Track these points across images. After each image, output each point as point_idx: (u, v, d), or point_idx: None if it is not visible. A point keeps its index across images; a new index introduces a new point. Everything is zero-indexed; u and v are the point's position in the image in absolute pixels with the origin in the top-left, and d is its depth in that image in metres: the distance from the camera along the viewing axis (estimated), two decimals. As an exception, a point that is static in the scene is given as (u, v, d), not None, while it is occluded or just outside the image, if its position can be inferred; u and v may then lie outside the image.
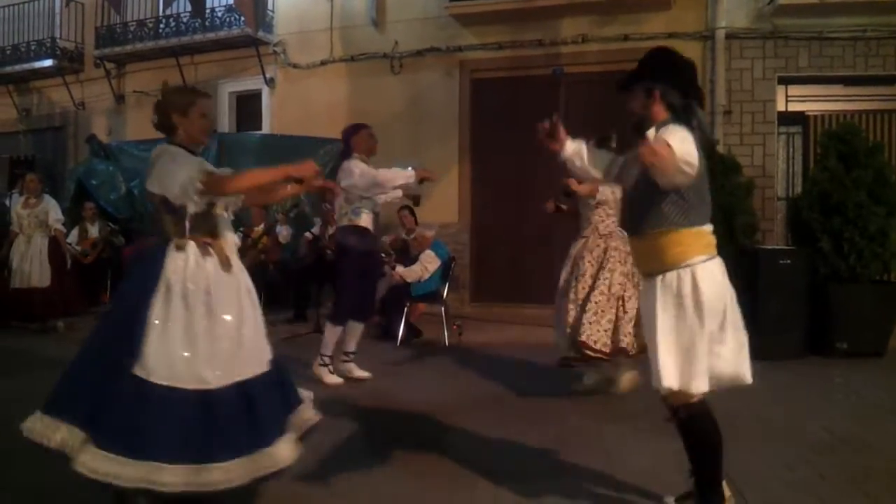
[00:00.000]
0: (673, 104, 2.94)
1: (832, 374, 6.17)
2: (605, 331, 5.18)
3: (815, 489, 3.45)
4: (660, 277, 2.89)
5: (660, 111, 2.97)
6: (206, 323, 2.94)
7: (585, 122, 9.82)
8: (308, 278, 9.13)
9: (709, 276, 2.86)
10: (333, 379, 5.80)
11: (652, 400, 4.95)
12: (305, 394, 3.33)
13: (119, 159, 11.22)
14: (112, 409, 2.79)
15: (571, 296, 5.35)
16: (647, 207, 2.93)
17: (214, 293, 3.00)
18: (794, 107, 9.54)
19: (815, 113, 9.48)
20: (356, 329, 5.99)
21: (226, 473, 2.79)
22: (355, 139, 5.86)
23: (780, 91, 9.42)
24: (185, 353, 2.87)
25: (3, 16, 13.78)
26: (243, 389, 2.94)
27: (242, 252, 9.34)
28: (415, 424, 4.73)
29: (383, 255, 8.73)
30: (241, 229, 9.49)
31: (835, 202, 6.86)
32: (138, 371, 2.80)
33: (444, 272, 8.15)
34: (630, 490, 3.46)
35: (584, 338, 5.15)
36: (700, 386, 2.84)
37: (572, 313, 5.30)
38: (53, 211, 8.67)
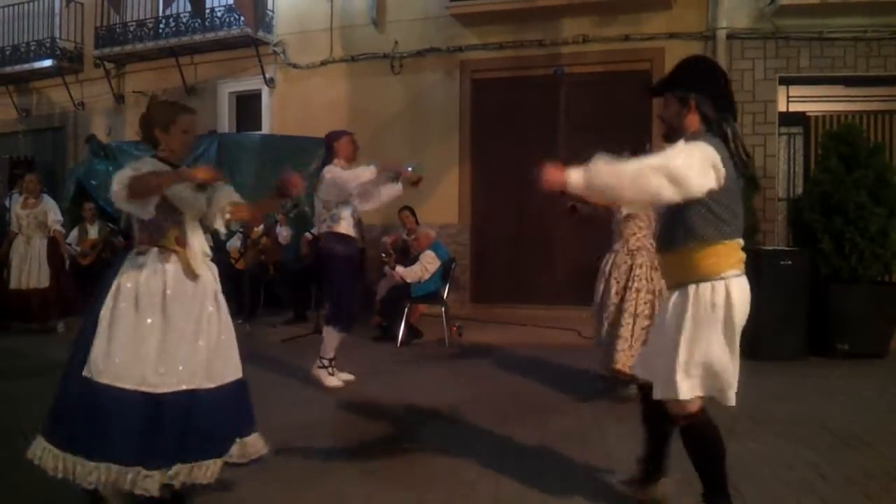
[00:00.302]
0: (707, 115, 2.92)
1: (833, 374, 6.16)
2: (635, 353, 5.11)
3: (815, 489, 3.44)
4: (692, 288, 2.86)
5: (693, 121, 2.94)
6: (159, 326, 2.96)
7: (586, 122, 9.90)
8: (308, 279, 9.12)
9: (740, 291, 2.86)
10: (334, 381, 5.75)
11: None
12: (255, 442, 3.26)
13: (119, 159, 11.16)
14: (65, 409, 2.88)
15: (605, 314, 5.30)
16: (677, 222, 2.91)
17: (172, 299, 3.01)
18: (795, 107, 9.52)
19: (816, 113, 9.47)
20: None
21: (152, 482, 2.82)
22: (337, 144, 5.80)
23: (781, 91, 9.41)
24: (131, 354, 2.89)
25: (3, 16, 13.76)
26: (188, 399, 2.94)
27: (242, 252, 9.45)
28: (415, 424, 4.73)
29: (383, 255, 8.73)
30: (241, 230, 9.49)
31: (836, 203, 6.85)
32: (86, 372, 2.85)
33: (444, 273, 8.14)
34: (630, 494, 3.44)
35: (619, 366, 5.09)
36: (731, 397, 2.88)
37: (605, 332, 5.29)
38: (52, 212, 8.66)
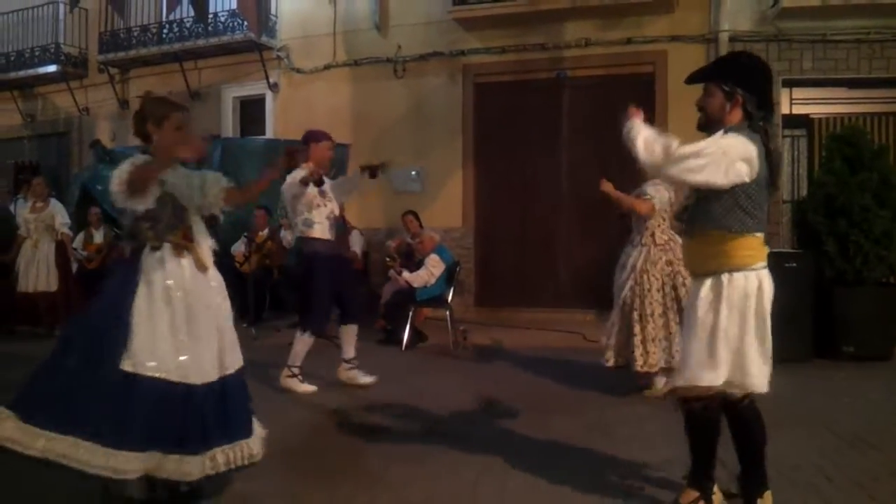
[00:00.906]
0: (750, 113, 2.97)
1: (838, 377, 6.15)
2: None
3: (820, 492, 3.44)
4: (726, 276, 2.93)
5: (736, 116, 2.99)
6: (185, 320, 3.04)
7: (588, 126, 9.90)
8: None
9: (769, 283, 2.97)
10: (306, 387, 5.60)
11: (660, 404, 4.98)
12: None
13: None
14: (101, 404, 2.84)
15: (642, 309, 5.24)
16: (703, 208, 2.99)
17: (191, 292, 3.09)
18: (799, 110, 9.52)
19: (820, 116, 9.47)
20: (350, 333, 5.88)
21: (194, 465, 2.92)
22: (315, 147, 5.61)
23: (785, 94, 9.40)
24: (170, 347, 2.97)
25: (8, 22, 13.82)
26: (219, 386, 3.08)
27: (247, 256, 9.45)
28: (419, 427, 4.72)
29: (387, 258, 8.74)
30: (246, 234, 9.50)
31: (840, 205, 6.84)
32: (126, 365, 2.87)
33: (449, 276, 8.15)
34: (635, 491, 3.46)
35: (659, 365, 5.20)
36: (758, 385, 2.96)
37: (646, 327, 5.23)
38: (60, 215, 8.70)
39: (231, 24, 11.57)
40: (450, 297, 8.09)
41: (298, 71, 11.57)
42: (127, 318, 2.94)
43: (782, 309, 6.74)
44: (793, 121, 9.50)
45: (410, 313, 7.82)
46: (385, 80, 10.92)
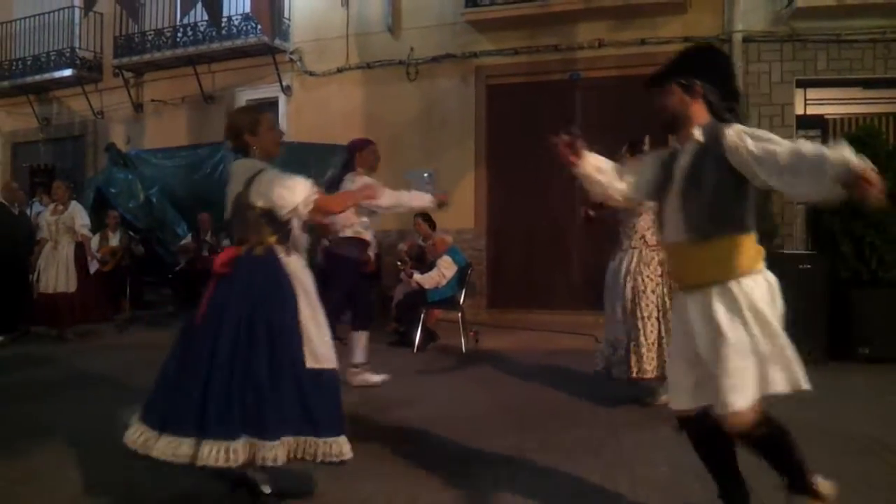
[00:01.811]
0: (713, 104, 2.78)
1: (854, 380, 6.10)
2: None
3: (837, 497, 3.40)
4: (734, 284, 2.66)
5: (700, 109, 2.79)
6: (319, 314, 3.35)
7: (602, 127, 9.87)
8: (324, 284, 9.13)
9: (775, 282, 2.76)
10: (377, 378, 5.96)
11: (668, 412, 4.93)
12: None
13: (138, 167, 11.33)
14: (313, 402, 3.14)
15: (638, 311, 5.13)
16: (718, 209, 2.70)
17: (312, 289, 3.37)
18: (813, 110, 9.47)
19: (835, 116, 9.42)
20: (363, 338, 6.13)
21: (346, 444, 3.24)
22: (361, 154, 5.93)
23: (799, 94, 9.36)
24: (328, 340, 3.31)
25: (24, 27, 13.98)
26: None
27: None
28: (429, 433, 4.69)
29: (399, 262, 8.75)
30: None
31: (855, 206, 6.77)
32: (310, 363, 3.18)
33: (461, 278, 8.14)
34: (645, 499, 3.43)
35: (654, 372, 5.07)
36: (779, 387, 2.86)
37: (642, 331, 5.12)
38: (79, 216, 8.79)
39: (244, 28, 11.64)
40: (462, 299, 8.09)
41: (311, 74, 11.62)
42: (296, 322, 3.20)
43: (796, 311, 6.70)
44: (807, 121, 9.44)
45: (422, 315, 7.83)
46: (398, 82, 10.94)
